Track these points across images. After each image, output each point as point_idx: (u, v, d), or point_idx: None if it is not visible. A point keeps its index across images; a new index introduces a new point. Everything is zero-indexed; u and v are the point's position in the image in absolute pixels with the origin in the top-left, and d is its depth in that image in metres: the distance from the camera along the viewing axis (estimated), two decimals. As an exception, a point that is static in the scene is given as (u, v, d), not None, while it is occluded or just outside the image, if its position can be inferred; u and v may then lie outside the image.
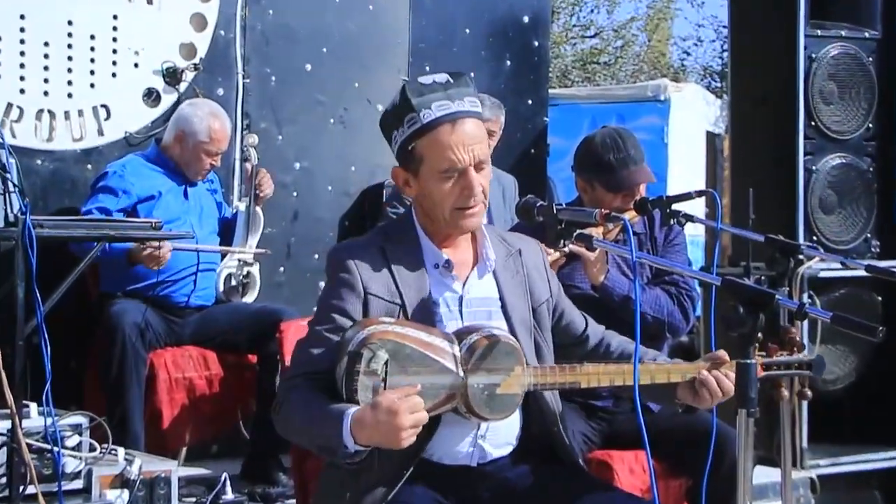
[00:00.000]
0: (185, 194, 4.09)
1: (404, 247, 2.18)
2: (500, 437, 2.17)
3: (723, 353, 2.22)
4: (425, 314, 2.12)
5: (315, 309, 2.19)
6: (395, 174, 2.20)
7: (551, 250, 2.91)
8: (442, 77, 2.15)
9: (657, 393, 2.27)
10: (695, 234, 9.09)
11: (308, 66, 5.03)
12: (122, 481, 2.75)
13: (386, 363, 1.97)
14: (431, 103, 2.10)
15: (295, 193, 4.98)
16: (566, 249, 2.92)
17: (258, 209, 4.25)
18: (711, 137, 10.61)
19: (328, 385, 2.03)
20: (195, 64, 4.53)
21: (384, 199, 4.82)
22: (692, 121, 10.09)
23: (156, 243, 3.61)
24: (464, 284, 2.20)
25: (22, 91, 4.18)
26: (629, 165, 3.10)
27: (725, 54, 17.85)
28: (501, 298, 2.23)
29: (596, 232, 2.94)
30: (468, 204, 2.12)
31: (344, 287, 2.11)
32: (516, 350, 2.11)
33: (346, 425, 1.93)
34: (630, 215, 3.05)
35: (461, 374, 2.05)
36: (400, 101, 2.13)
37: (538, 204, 2.25)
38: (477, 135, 2.13)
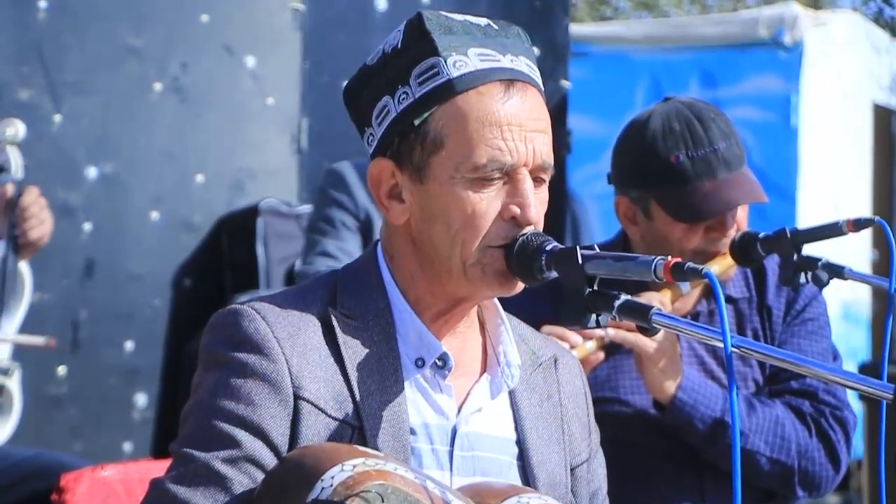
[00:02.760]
0: None
1: (364, 320, 2.25)
2: None
3: None
4: (394, 451, 2.18)
5: (187, 420, 2.19)
6: (377, 172, 2.29)
7: (579, 339, 2.96)
8: (479, 20, 2.28)
9: None
10: (851, 299, 9.12)
11: (113, -17, 5.11)
12: None
13: None
14: (468, 49, 2.23)
15: (88, 226, 5.04)
16: (605, 334, 3.01)
17: (22, 264, 4.25)
18: (883, 116, 10.73)
19: None
20: None
21: (257, 242, 4.83)
22: (846, 83, 10.19)
23: None
24: (461, 406, 2.28)
25: None
26: (716, 172, 3.18)
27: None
28: (521, 441, 2.32)
29: (659, 300, 3.03)
30: (516, 237, 2.22)
31: (255, 381, 2.17)
32: None
33: None
34: (721, 267, 3.11)
35: None
36: (406, 38, 2.25)
37: (548, 248, 2.24)
38: (542, 119, 2.26)
